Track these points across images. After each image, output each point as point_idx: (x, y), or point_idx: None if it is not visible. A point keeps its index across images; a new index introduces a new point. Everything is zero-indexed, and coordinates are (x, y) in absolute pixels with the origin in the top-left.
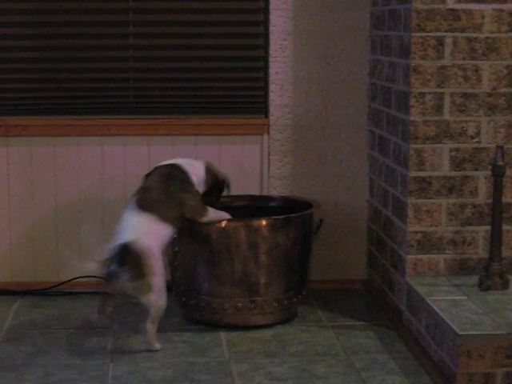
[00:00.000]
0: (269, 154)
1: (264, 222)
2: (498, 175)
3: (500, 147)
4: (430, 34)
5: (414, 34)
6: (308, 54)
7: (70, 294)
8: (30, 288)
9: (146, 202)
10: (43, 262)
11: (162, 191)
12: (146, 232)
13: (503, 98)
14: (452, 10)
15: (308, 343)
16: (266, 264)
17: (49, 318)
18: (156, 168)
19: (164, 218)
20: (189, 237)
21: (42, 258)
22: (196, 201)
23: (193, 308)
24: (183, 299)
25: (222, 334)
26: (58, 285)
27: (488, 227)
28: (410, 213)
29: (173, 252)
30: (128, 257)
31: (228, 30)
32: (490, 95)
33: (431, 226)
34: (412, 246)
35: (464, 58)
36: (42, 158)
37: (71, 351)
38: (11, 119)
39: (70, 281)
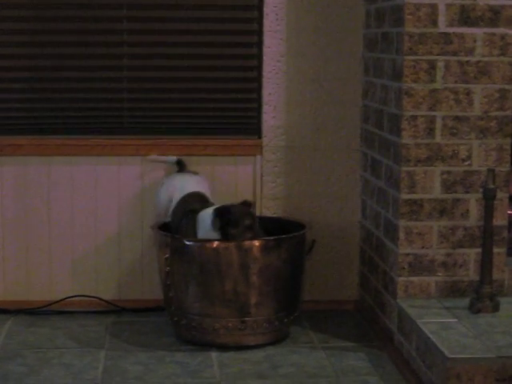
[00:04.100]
0: (262, 175)
1: (255, 243)
2: (488, 198)
3: (491, 170)
4: (422, 57)
5: (406, 57)
6: (301, 76)
7: (62, 312)
8: (22, 307)
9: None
10: (36, 280)
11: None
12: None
13: (494, 121)
14: (444, 33)
15: (299, 365)
16: (257, 285)
17: (41, 337)
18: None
19: None
20: (180, 257)
21: (34, 276)
22: None
23: (184, 328)
24: (175, 319)
25: (214, 355)
26: (51, 304)
27: (479, 250)
28: (402, 235)
29: (165, 272)
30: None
31: (222, 51)
32: (481, 118)
33: (422, 248)
34: (403, 268)
35: (456, 82)
36: (35, 178)
37: (63, 371)
38: (5, 139)
39: (62, 300)
